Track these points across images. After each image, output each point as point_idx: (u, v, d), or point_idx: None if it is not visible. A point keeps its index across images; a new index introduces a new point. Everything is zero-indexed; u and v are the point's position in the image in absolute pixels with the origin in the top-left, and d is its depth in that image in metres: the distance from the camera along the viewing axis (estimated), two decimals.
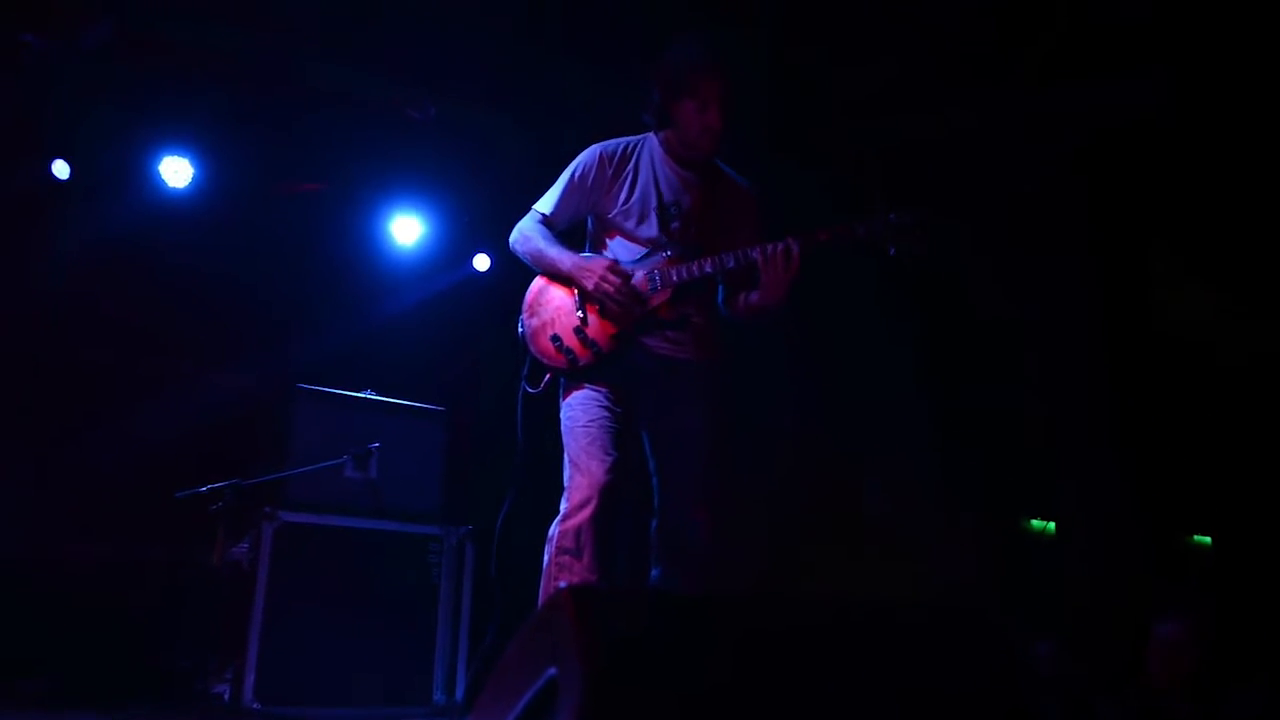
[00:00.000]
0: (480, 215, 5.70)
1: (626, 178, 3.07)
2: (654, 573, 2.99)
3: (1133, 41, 4.45)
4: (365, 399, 4.46)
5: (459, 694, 4.18)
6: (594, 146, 3.13)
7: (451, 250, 5.79)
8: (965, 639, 1.45)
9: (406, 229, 5.63)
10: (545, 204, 3.13)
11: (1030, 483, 5.19)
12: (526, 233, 3.10)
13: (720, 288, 3.10)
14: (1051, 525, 5.36)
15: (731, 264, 2.90)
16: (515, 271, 3.19)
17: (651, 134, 3.14)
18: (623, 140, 3.14)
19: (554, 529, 2.89)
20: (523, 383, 3.03)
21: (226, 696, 3.93)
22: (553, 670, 1.29)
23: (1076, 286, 5.15)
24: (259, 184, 5.33)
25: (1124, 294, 5.14)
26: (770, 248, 2.84)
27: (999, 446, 5.02)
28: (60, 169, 4.78)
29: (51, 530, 4.30)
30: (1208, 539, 5.31)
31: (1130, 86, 4.64)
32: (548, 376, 3.01)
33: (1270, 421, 4.60)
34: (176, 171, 4.98)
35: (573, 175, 3.10)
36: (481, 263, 5.77)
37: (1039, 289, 5.18)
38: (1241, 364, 4.77)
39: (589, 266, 2.96)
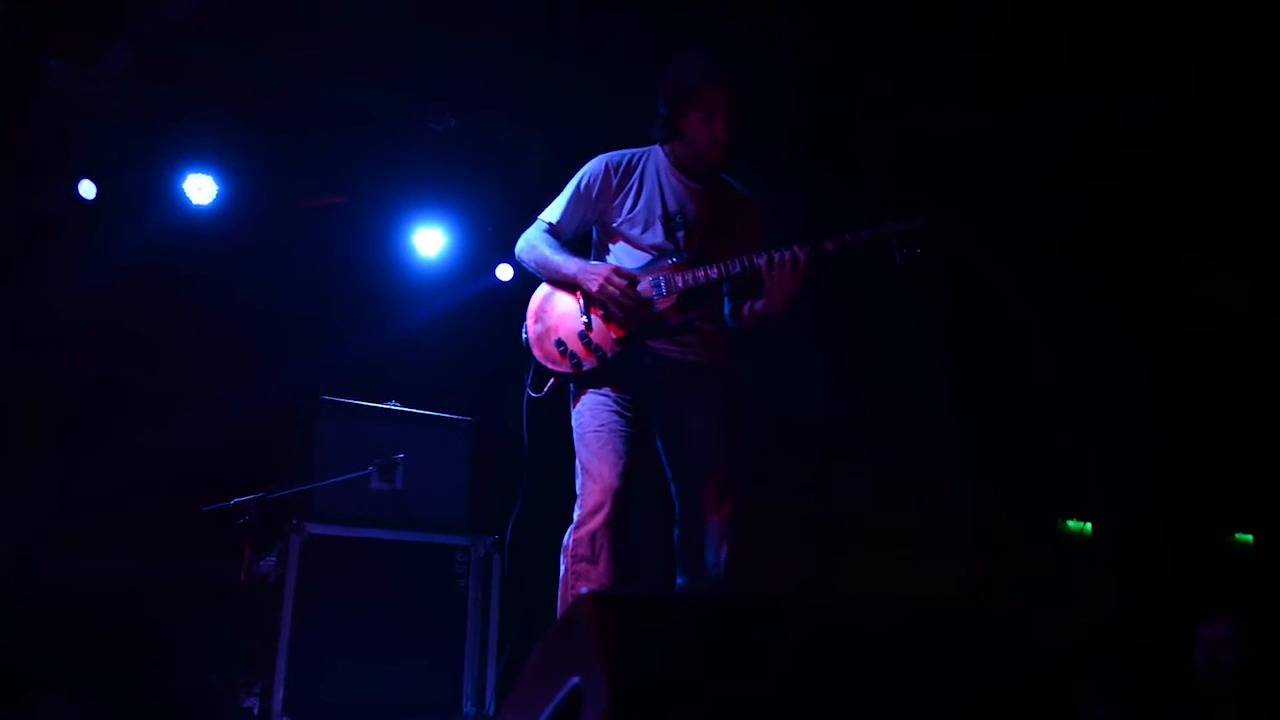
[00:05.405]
0: (502, 225, 5.69)
1: (631, 188, 3.08)
2: (679, 581, 2.96)
3: (1151, 37, 4.38)
4: (390, 410, 4.45)
5: (489, 705, 4.15)
6: (599, 157, 3.14)
7: (474, 261, 5.79)
8: (1001, 637, 1.40)
9: (429, 241, 5.64)
10: (552, 213, 3.13)
11: (1066, 484, 5.11)
12: (532, 241, 3.11)
13: (725, 298, 3.09)
14: (1088, 526, 5.28)
15: (737, 269, 2.89)
16: (537, 281, 3.18)
17: (657, 146, 3.14)
18: (628, 151, 3.15)
19: (568, 537, 2.87)
20: (527, 389, 3.02)
21: (256, 711, 3.92)
22: (576, 679, 1.26)
23: (1108, 285, 5.07)
24: (282, 199, 5.36)
25: (1156, 291, 5.05)
26: (776, 255, 2.83)
27: (1034, 448, 4.95)
28: (86, 189, 4.83)
29: (78, 547, 4.31)
30: (1249, 537, 5.20)
31: (1150, 80, 4.56)
32: (551, 381, 3.00)
33: None
34: (200, 188, 5.01)
35: (579, 185, 3.10)
36: (504, 273, 5.77)
37: (1070, 288, 5.10)
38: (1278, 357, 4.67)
39: (594, 270, 2.96)
